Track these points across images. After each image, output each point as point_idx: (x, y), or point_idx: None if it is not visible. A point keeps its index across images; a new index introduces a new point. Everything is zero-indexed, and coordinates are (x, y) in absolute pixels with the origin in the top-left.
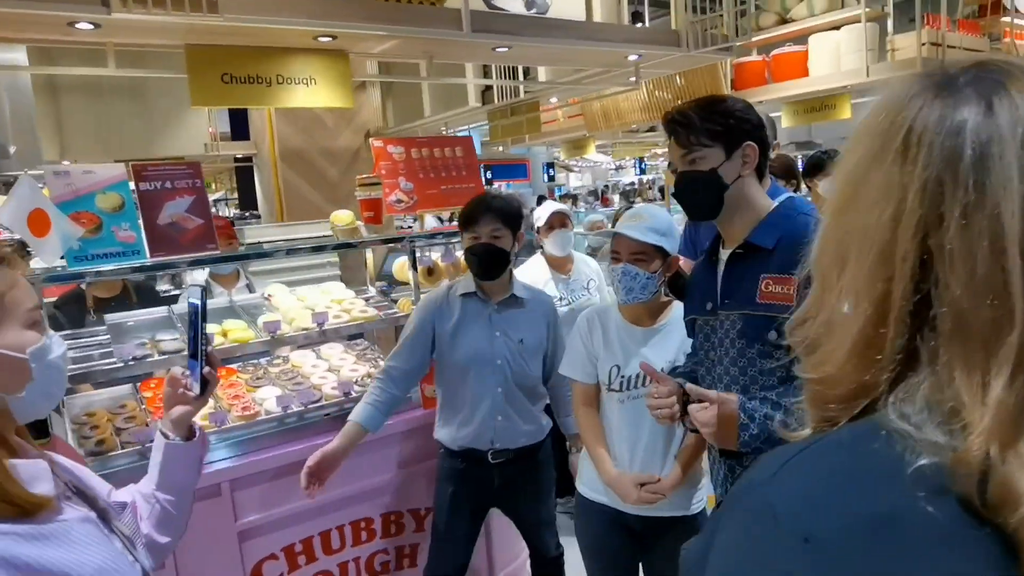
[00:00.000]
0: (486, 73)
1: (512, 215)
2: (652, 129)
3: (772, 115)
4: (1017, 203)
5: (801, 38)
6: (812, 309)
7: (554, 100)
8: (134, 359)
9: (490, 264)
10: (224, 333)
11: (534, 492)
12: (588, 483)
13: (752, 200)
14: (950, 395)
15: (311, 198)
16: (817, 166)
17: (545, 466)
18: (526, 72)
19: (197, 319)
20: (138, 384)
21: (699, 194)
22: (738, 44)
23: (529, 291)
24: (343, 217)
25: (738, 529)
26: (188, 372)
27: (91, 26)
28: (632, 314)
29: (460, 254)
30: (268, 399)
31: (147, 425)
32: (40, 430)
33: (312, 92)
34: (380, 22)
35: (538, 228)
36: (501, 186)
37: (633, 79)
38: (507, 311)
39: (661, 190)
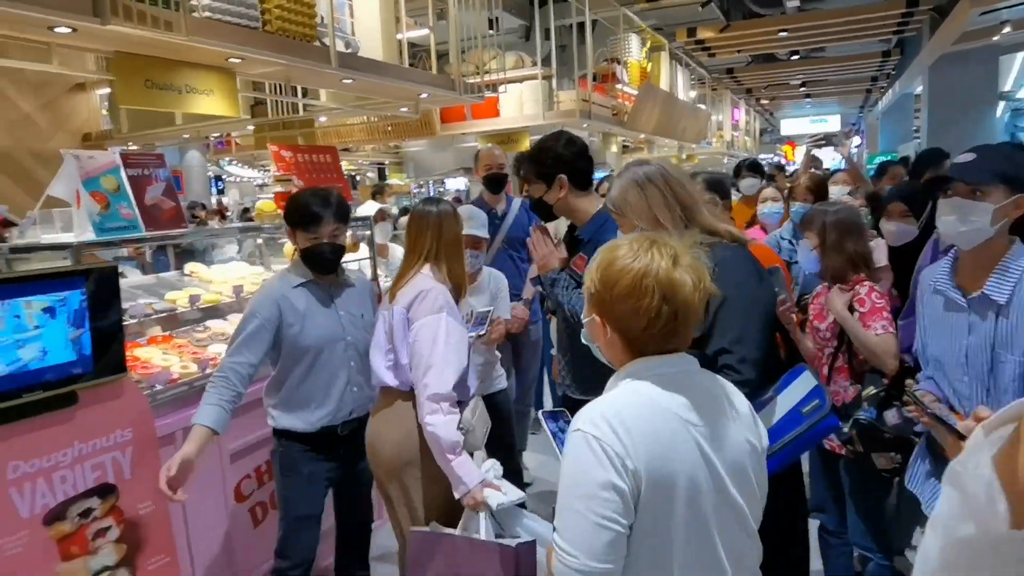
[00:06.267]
0: (256, 87)
1: (347, 212)
2: (346, 149)
3: (473, 144)
4: None
5: (492, 86)
6: None
7: (323, 119)
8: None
9: (335, 263)
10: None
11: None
12: None
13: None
14: None
15: (19, 200)
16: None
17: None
18: (304, 91)
19: None
20: None
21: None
22: (486, 92)
23: (351, 271)
24: (269, 205)
25: None
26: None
27: (68, 30)
28: None
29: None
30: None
31: None
32: None
33: (211, 101)
34: (276, 51)
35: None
36: None
37: (404, 109)
38: (343, 291)
39: None
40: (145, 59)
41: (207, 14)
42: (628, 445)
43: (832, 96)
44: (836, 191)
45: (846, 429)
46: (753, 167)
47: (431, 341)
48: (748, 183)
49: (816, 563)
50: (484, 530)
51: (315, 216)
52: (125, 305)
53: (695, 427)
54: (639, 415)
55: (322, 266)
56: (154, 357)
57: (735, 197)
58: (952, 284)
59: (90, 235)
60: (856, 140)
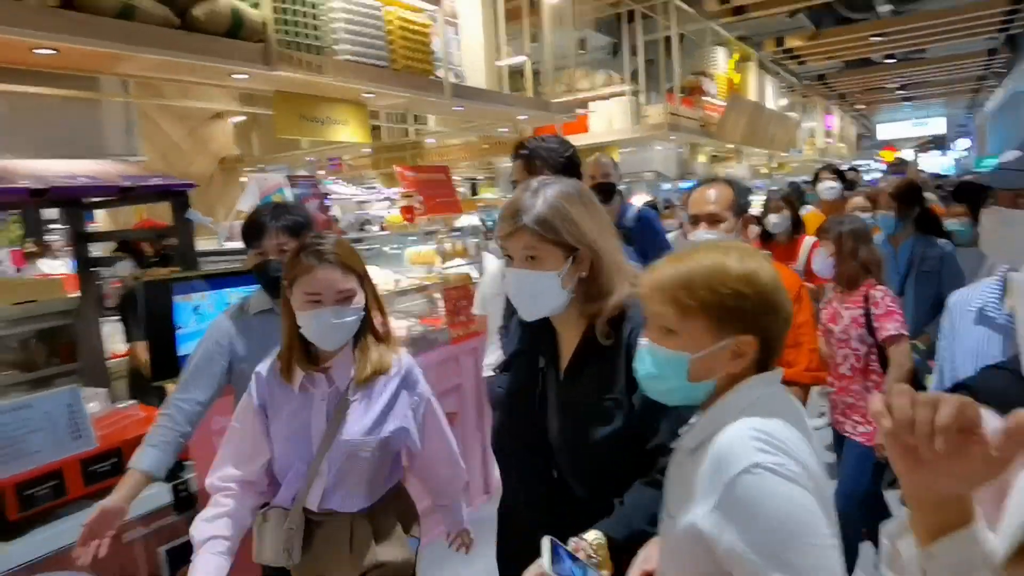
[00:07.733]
0: (373, 114)
1: (301, 226)
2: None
3: None
4: None
5: (582, 103)
6: None
7: (431, 141)
8: None
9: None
10: None
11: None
12: None
13: None
14: None
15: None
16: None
17: None
18: (415, 116)
19: None
20: None
21: None
22: (577, 110)
23: None
24: (396, 219)
25: None
26: None
27: (245, 76)
28: None
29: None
30: None
31: None
32: None
33: (348, 130)
34: (404, 88)
35: None
36: None
37: (504, 130)
38: None
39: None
40: (298, 96)
41: (347, 57)
42: (799, 462)
43: (935, 98)
44: None
45: None
46: (833, 171)
47: None
48: (826, 186)
49: None
50: None
51: (257, 228)
52: None
53: (804, 436)
54: (782, 430)
55: (270, 286)
56: None
57: (806, 209)
58: (1003, 309)
59: None
60: (965, 143)
